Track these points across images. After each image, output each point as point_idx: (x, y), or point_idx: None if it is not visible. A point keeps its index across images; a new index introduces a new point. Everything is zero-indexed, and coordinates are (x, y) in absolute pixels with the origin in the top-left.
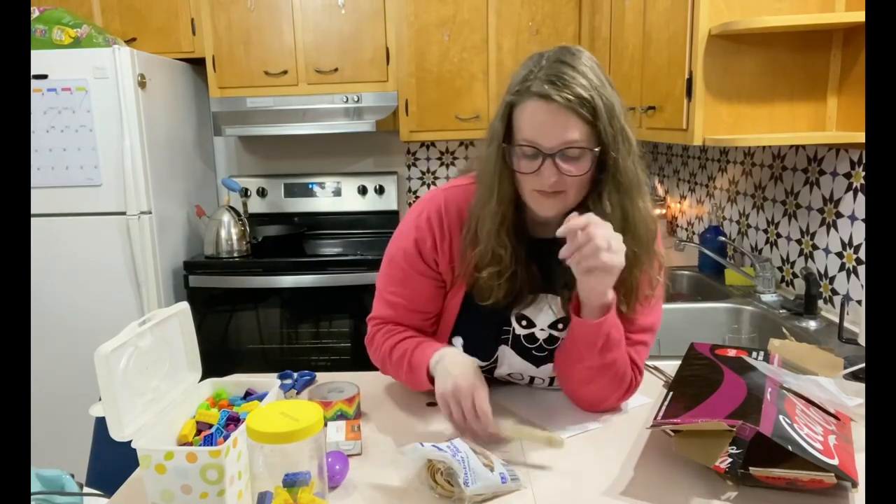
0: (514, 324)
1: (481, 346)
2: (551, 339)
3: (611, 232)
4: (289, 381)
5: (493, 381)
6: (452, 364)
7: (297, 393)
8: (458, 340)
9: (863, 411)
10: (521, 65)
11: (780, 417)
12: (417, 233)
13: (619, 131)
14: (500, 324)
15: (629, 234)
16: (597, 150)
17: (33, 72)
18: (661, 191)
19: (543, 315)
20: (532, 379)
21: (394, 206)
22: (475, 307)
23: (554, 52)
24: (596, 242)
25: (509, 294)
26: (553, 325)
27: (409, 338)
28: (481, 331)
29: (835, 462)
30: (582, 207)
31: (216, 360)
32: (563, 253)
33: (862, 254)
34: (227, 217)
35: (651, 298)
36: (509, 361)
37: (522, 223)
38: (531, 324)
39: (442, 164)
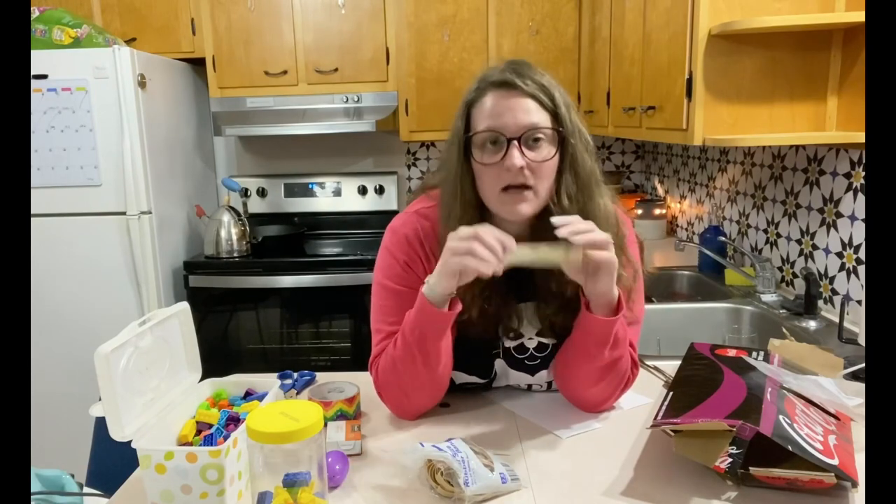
0: (503, 337)
1: (477, 364)
2: (541, 347)
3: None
4: (289, 381)
5: (492, 389)
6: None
7: (297, 393)
8: (455, 374)
9: (863, 411)
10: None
11: (780, 417)
12: (402, 255)
13: (576, 126)
14: (490, 340)
15: None
16: (560, 129)
17: (33, 72)
18: (661, 191)
19: (528, 325)
20: (530, 386)
21: (394, 206)
22: (461, 334)
23: (506, 62)
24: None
25: (484, 314)
26: (540, 333)
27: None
28: (474, 350)
29: (835, 462)
30: (544, 211)
31: (216, 360)
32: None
33: (862, 254)
34: (227, 217)
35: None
36: (505, 374)
37: None
38: (518, 335)
39: None
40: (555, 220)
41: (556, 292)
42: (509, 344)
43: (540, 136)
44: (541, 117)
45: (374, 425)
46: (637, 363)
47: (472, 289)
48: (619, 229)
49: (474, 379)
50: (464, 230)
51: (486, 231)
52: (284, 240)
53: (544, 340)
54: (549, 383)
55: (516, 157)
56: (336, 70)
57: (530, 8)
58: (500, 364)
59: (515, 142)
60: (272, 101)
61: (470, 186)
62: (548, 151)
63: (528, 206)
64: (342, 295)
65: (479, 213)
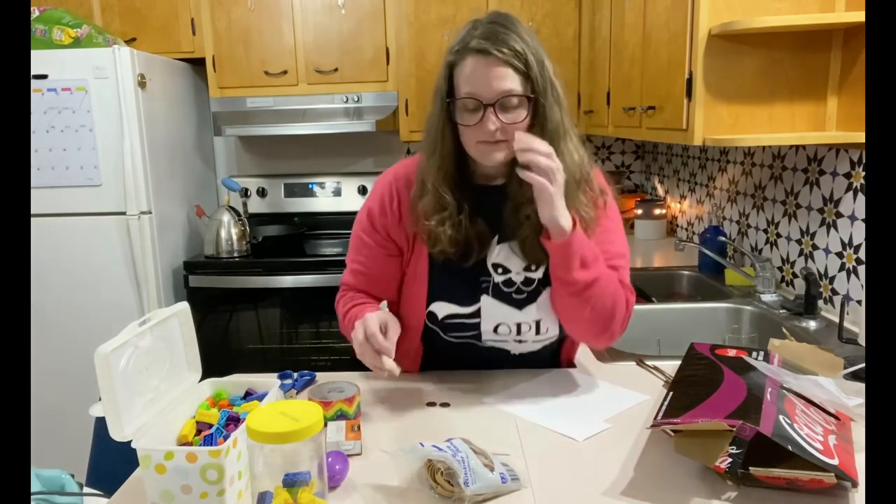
0: (493, 273)
1: (462, 295)
2: (528, 281)
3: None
4: (289, 381)
5: (483, 353)
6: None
7: (297, 393)
8: (439, 305)
9: (863, 411)
10: (459, 32)
11: (780, 417)
12: (370, 203)
13: (548, 82)
14: (477, 276)
15: None
16: (532, 95)
17: (33, 72)
18: (661, 191)
19: (514, 260)
20: (519, 328)
21: None
22: (446, 269)
23: (488, 16)
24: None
25: (456, 243)
26: (527, 268)
27: (360, 304)
28: (460, 288)
29: (835, 462)
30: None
31: (216, 360)
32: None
33: (862, 254)
34: (227, 217)
35: (597, 218)
36: (493, 312)
37: (466, 177)
38: (506, 270)
39: None
40: (518, 136)
41: (527, 218)
42: (498, 279)
43: (513, 100)
44: (514, 83)
45: (374, 425)
46: (631, 289)
47: (440, 216)
48: (583, 168)
49: (456, 308)
50: (357, 339)
51: (366, 354)
52: (284, 240)
53: (531, 275)
54: (538, 323)
55: (491, 123)
56: (336, 70)
57: (530, 8)
58: (486, 301)
59: (491, 108)
60: (272, 101)
61: (450, 140)
62: (520, 113)
63: (500, 155)
64: None
65: (456, 162)
